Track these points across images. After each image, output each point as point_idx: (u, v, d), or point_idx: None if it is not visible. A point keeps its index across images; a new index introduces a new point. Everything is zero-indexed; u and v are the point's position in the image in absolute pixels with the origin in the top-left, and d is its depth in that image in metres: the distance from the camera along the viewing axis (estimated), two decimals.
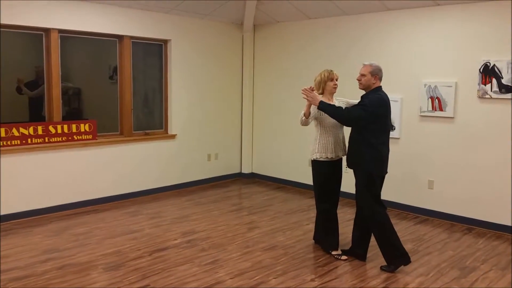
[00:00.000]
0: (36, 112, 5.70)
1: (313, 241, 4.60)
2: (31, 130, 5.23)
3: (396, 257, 3.92)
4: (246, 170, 7.60)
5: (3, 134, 4.99)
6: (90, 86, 6.55)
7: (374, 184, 3.95)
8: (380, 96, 3.93)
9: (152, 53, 6.50)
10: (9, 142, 5.04)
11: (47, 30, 5.30)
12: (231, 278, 3.74)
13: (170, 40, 6.40)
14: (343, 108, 4.03)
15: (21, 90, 5.55)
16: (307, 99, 4.02)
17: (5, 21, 4.86)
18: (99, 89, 6.58)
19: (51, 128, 5.40)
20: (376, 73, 3.95)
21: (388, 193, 5.85)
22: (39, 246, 4.37)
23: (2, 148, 4.96)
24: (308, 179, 6.67)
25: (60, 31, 5.39)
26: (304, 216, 5.50)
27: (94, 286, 3.56)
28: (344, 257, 4.19)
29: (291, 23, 6.89)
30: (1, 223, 4.95)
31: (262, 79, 7.39)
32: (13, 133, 5.07)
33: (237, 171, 7.60)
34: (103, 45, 6.09)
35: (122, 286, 3.57)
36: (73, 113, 6.43)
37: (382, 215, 3.96)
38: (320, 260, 4.19)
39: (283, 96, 7.08)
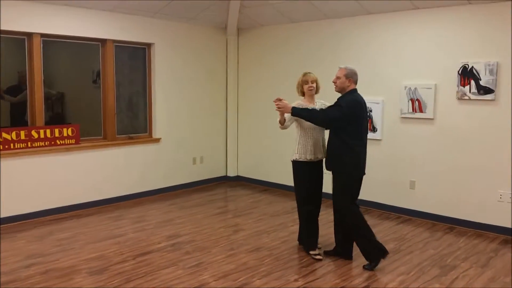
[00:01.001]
0: (18, 118, 5.65)
1: (298, 242, 4.64)
2: (13, 135, 5.19)
3: (375, 253, 4.00)
4: (231, 173, 7.62)
5: None
6: (73, 90, 6.51)
7: (351, 186, 4.04)
8: (355, 97, 4.01)
9: (136, 57, 6.50)
10: None
11: (29, 35, 5.27)
12: (215, 280, 3.76)
13: (153, 43, 6.41)
14: (319, 110, 4.12)
15: (1, 96, 5.51)
16: (278, 110, 4.09)
17: None
18: (82, 94, 6.54)
19: (33, 133, 5.36)
20: (351, 76, 4.03)
21: (370, 193, 5.95)
22: (23, 251, 4.34)
23: None
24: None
25: (43, 35, 5.37)
26: (289, 218, 5.54)
27: None
28: (319, 257, 4.24)
29: (275, 26, 6.95)
30: None
31: (246, 82, 7.43)
32: None
33: (223, 174, 7.61)
34: (86, 49, 6.07)
35: None
36: (56, 118, 6.39)
37: (358, 215, 4.04)
38: (304, 260, 4.23)
39: (268, 100, 7.09)
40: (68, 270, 3.92)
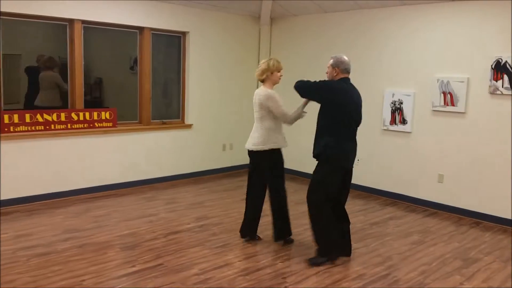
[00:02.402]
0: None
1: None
2: (54, 116, 5.49)
3: (333, 251, 3.94)
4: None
5: (28, 120, 5.26)
6: (112, 76, 6.80)
7: (332, 180, 3.85)
8: (338, 83, 3.88)
9: (171, 44, 6.70)
10: (33, 128, 5.31)
11: (71, 21, 5.53)
12: (239, 261, 3.92)
13: (188, 32, 6.59)
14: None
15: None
16: None
17: (32, 11, 5.10)
18: (120, 79, 6.82)
19: (73, 115, 5.65)
20: (337, 65, 3.91)
21: (397, 185, 5.99)
22: (61, 226, 4.63)
23: (26, 133, 5.23)
24: None
25: (84, 22, 5.62)
26: None
27: (111, 264, 3.79)
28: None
29: (308, 16, 6.99)
30: (27, 204, 5.23)
31: None
32: (37, 119, 5.33)
33: (247, 162, 7.74)
34: (125, 36, 6.31)
35: (137, 264, 3.79)
36: (95, 102, 6.70)
37: (328, 211, 3.89)
38: None
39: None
40: (102, 245, 4.17)
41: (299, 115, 4.19)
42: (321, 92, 3.90)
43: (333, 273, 3.77)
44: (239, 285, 3.50)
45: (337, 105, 3.82)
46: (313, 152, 3.97)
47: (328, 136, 3.83)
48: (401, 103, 5.93)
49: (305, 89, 3.97)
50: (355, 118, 3.91)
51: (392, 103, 6.04)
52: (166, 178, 6.56)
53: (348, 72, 3.96)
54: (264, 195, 4.36)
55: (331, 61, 3.95)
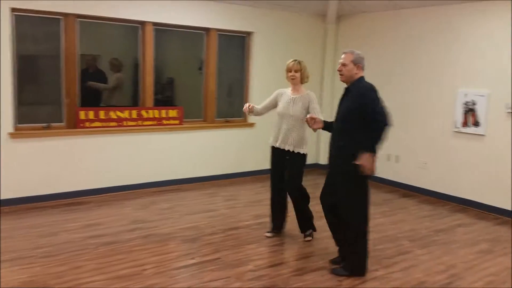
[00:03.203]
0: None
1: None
2: (126, 113, 5.80)
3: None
4: (323, 161, 7.67)
5: (102, 116, 5.60)
6: (182, 76, 7.05)
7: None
8: (371, 85, 3.48)
9: (236, 45, 6.82)
10: (106, 124, 5.64)
11: (143, 23, 5.82)
12: (295, 260, 3.93)
13: (253, 32, 6.67)
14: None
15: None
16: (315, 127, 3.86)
17: (106, 14, 5.43)
18: (189, 79, 7.07)
19: (143, 112, 5.93)
20: (359, 61, 3.49)
21: (468, 191, 5.67)
22: (129, 217, 4.89)
23: (100, 129, 5.57)
24: (386, 173, 6.63)
25: (155, 24, 5.88)
26: (377, 209, 5.48)
27: (171, 255, 3.95)
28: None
29: (377, 13, 6.79)
30: (98, 195, 5.58)
31: None
32: (110, 115, 5.67)
33: (314, 161, 7.70)
34: (195, 38, 6.51)
35: (196, 257, 3.91)
36: (166, 101, 6.99)
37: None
38: (386, 252, 4.21)
39: None
40: (165, 237, 4.36)
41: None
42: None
43: (392, 279, 3.66)
44: (293, 284, 3.50)
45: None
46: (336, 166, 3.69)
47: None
48: (474, 104, 5.61)
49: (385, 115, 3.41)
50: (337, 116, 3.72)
51: (464, 103, 5.72)
52: (227, 176, 6.70)
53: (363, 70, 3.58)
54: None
55: (351, 56, 3.48)
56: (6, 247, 3.93)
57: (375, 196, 6.07)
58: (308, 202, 4.39)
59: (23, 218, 4.71)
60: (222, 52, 6.62)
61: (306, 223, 4.41)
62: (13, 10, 4.87)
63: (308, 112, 4.12)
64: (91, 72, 6.26)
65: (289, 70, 4.24)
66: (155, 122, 6.02)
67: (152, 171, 6.02)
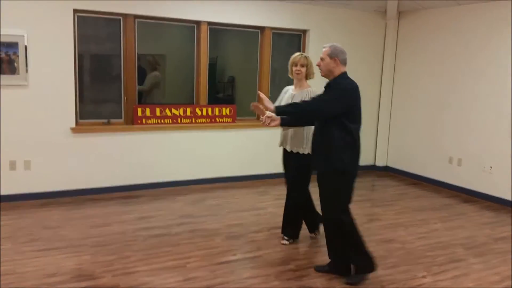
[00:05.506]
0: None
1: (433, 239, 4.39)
2: (181, 111, 5.97)
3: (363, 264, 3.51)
4: (380, 163, 7.45)
5: (158, 114, 5.81)
6: (242, 75, 7.11)
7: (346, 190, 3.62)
8: (349, 82, 3.35)
9: (291, 43, 6.78)
10: (162, 121, 5.84)
11: (198, 23, 5.95)
12: None
13: (308, 30, 6.60)
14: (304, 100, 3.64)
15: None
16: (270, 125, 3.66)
17: (163, 14, 5.61)
18: (249, 78, 7.13)
19: (197, 110, 6.07)
20: (335, 54, 3.29)
21: None
22: (178, 211, 5.03)
23: (156, 125, 5.78)
24: (447, 177, 6.31)
25: (210, 23, 6.00)
26: (434, 214, 5.22)
27: (215, 250, 4.01)
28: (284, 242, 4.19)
29: (440, 9, 6.46)
30: (152, 189, 5.79)
31: (404, 69, 7.11)
32: (166, 112, 5.86)
33: (371, 163, 7.49)
34: (255, 37, 6.53)
35: (238, 253, 3.95)
36: (226, 100, 7.09)
37: (351, 223, 3.57)
38: (438, 258, 4.00)
39: (427, 88, 6.71)
40: (211, 232, 4.43)
41: None
42: (346, 105, 3.36)
43: (439, 287, 3.46)
44: (334, 287, 3.42)
45: (351, 108, 3.41)
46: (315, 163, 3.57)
47: (342, 143, 3.41)
48: None
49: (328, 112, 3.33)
50: (359, 118, 3.54)
51: None
52: (278, 175, 6.61)
53: (346, 64, 3.40)
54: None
55: (328, 50, 3.32)
56: (57, 237, 4.18)
57: (434, 201, 5.82)
58: (302, 208, 4.20)
59: (78, 209, 4.98)
60: (277, 51, 6.61)
61: (291, 230, 4.21)
62: (75, 11, 5.18)
63: None
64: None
65: (294, 64, 4.01)
66: (208, 120, 6.14)
67: (204, 168, 6.15)
